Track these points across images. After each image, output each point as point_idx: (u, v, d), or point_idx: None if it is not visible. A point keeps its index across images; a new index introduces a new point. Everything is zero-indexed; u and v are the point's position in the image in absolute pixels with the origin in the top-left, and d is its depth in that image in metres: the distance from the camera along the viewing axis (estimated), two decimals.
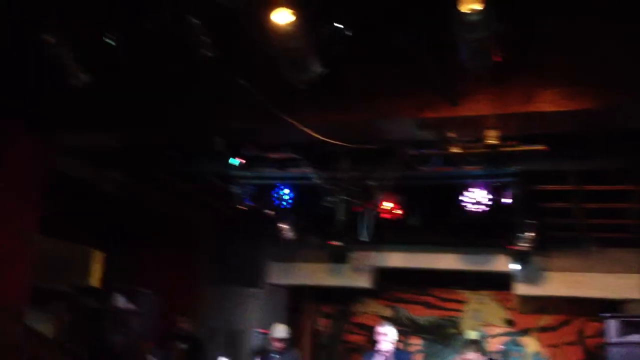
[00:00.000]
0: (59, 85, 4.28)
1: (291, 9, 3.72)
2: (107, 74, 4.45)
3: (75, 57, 4.18)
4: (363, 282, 10.15)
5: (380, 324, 8.12)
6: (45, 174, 5.61)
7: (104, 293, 8.61)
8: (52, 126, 5.29)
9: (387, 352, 6.92)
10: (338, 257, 8.78)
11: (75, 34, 4.11)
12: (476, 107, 4.57)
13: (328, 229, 7.87)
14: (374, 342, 7.20)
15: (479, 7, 3.40)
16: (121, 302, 8.36)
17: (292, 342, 7.98)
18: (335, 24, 3.93)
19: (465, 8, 3.41)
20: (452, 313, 11.26)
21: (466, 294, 11.20)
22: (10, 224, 5.31)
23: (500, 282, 9.94)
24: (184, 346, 8.58)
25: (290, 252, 10.04)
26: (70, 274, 9.37)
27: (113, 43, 4.02)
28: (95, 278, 9.78)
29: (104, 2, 3.95)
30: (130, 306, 8.32)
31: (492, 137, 4.87)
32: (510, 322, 10.96)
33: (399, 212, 7.20)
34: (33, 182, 5.46)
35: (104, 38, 4.03)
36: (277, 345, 7.42)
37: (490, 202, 6.51)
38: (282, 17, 3.75)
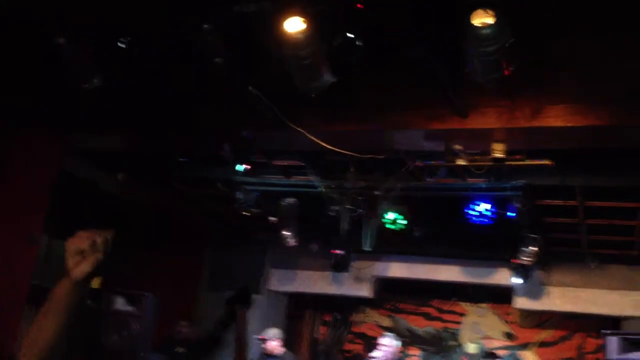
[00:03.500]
0: (73, 87, 4.30)
1: (303, 17, 3.74)
2: (121, 78, 4.46)
3: (91, 60, 4.20)
4: (364, 291, 10.14)
5: (382, 335, 8.13)
6: (54, 175, 5.64)
7: (103, 295, 8.61)
8: (64, 128, 5.32)
9: None
10: (340, 266, 8.79)
11: (93, 37, 4.13)
12: (484, 120, 4.59)
13: (331, 237, 7.88)
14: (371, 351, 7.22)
15: (491, 21, 3.42)
16: (120, 304, 8.35)
17: (286, 345, 8.00)
18: (347, 34, 3.94)
19: (477, 21, 3.43)
20: (452, 325, 11.23)
21: (466, 306, 11.18)
22: (16, 223, 5.32)
23: (500, 295, 9.93)
24: (182, 350, 8.56)
25: (292, 260, 10.04)
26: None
27: (125, 47, 4.03)
28: (96, 281, 9.77)
29: (123, 7, 3.96)
30: (130, 308, 8.31)
31: (498, 151, 4.88)
32: (510, 336, 10.92)
33: (403, 222, 7.21)
34: (41, 182, 5.48)
35: (118, 43, 4.04)
36: (271, 348, 7.45)
37: (493, 215, 6.53)
38: (294, 25, 3.76)
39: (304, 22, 3.71)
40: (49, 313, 1.85)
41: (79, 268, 1.87)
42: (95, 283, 6.83)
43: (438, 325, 11.27)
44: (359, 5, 3.68)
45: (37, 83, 5.06)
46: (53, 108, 5.18)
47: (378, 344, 7.78)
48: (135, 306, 8.15)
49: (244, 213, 7.38)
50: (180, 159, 6.56)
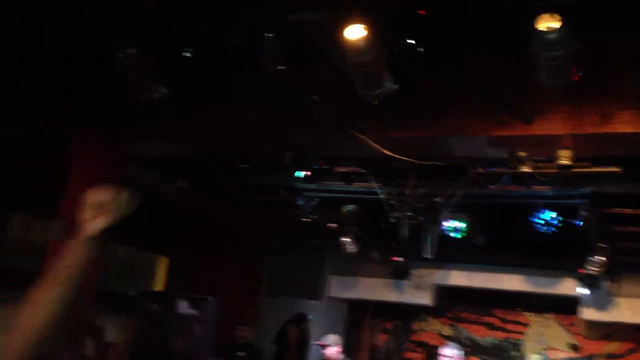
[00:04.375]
0: (136, 96, 4.42)
1: (364, 24, 3.74)
2: (183, 85, 4.56)
3: (156, 70, 4.31)
4: (424, 299, 10.04)
5: (445, 345, 8.02)
6: (118, 182, 5.78)
7: (167, 299, 8.81)
8: (127, 135, 5.46)
9: None
10: (400, 273, 8.73)
11: (157, 48, 4.24)
12: (550, 127, 4.48)
13: (391, 244, 7.84)
14: None
15: (557, 25, 3.34)
16: (184, 308, 8.53)
17: (346, 353, 7.98)
18: (408, 40, 3.92)
19: (543, 26, 3.36)
20: (515, 335, 10.99)
21: (530, 316, 10.93)
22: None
23: (566, 306, 9.68)
24: (242, 354, 8.67)
25: (352, 266, 10.03)
26: (135, 279, 9.62)
27: (190, 56, 4.12)
28: (159, 284, 9.99)
29: (183, 15, 4.05)
30: (193, 312, 8.48)
31: (565, 158, 4.75)
32: (574, 347, 10.61)
33: (464, 230, 7.11)
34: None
35: (181, 51, 4.14)
36: (330, 354, 7.43)
37: (559, 224, 6.38)
38: (356, 32, 3.77)
39: (365, 29, 3.71)
40: (48, 284, 1.66)
41: (95, 222, 1.72)
42: (182, 183, 6.94)
43: (500, 335, 11.05)
44: (420, 12, 3.66)
45: (103, 92, 5.22)
46: (118, 116, 5.33)
47: (439, 354, 7.67)
48: (197, 310, 8.32)
49: (304, 219, 7.43)
50: (241, 166, 6.64)
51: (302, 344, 8.18)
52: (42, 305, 1.63)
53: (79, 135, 5.50)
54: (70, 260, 1.68)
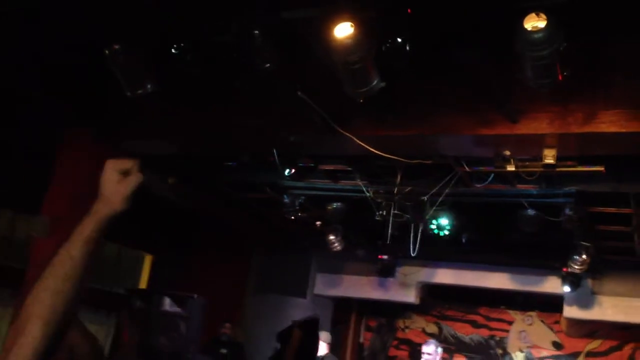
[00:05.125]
0: (125, 93, 4.40)
1: (352, 22, 3.74)
2: (172, 83, 4.54)
3: (144, 67, 4.29)
4: (410, 297, 10.07)
5: (426, 343, 8.06)
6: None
7: (152, 296, 8.75)
8: (116, 133, 5.43)
9: None
10: (386, 271, 8.75)
11: (143, 43, 4.22)
12: (535, 126, 4.50)
13: (377, 242, 7.85)
14: (416, 358, 7.16)
15: (543, 24, 3.37)
16: (168, 305, 8.48)
17: (332, 350, 8.00)
18: (396, 39, 3.93)
19: (530, 25, 3.38)
20: (499, 333, 11.07)
21: (514, 314, 11.01)
22: (72, 227, 5.43)
23: (550, 304, 9.75)
24: (225, 352, 8.65)
25: (337, 264, 10.04)
26: (121, 276, 9.56)
27: (178, 53, 4.11)
28: (144, 281, 9.95)
29: (173, 13, 4.03)
30: (178, 310, 8.43)
31: (549, 157, 4.79)
32: (558, 345, 10.70)
33: (450, 228, 7.15)
34: (95, 189, 5.58)
35: (171, 49, 4.12)
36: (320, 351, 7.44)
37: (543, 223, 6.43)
38: (344, 30, 3.77)
39: (353, 27, 3.71)
40: (61, 266, 1.61)
41: (122, 191, 1.71)
42: (171, 180, 6.92)
43: (485, 333, 11.12)
44: (408, 10, 3.67)
45: (94, 91, 5.18)
46: (107, 114, 5.30)
47: (422, 353, 7.73)
48: (183, 308, 8.27)
49: (290, 217, 7.42)
50: (228, 163, 6.62)
51: (305, 350, 8.01)
52: (55, 281, 1.61)
53: (69, 134, 5.46)
54: (87, 233, 1.67)
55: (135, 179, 1.74)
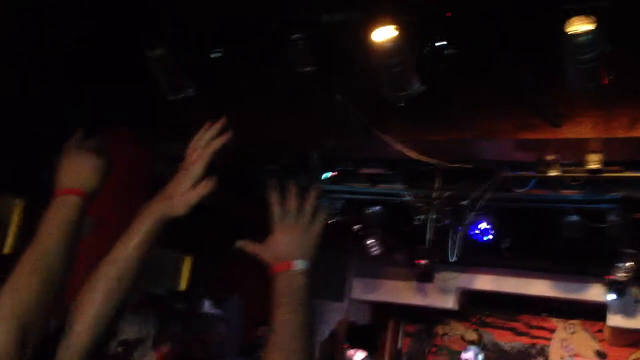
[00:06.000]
0: (167, 97, 4.46)
1: (394, 25, 3.72)
2: (212, 85, 4.59)
3: (184, 71, 4.34)
4: (449, 303, 9.98)
5: (465, 350, 7.98)
6: (148, 182, 5.83)
7: (192, 298, 8.84)
8: (154, 135, 5.51)
9: None
10: (424, 276, 8.67)
11: (184, 46, 4.27)
12: (579, 130, 4.43)
13: (416, 247, 7.79)
14: None
15: (589, 27, 3.30)
16: (208, 307, 8.55)
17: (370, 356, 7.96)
18: (436, 43, 3.90)
19: (574, 29, 3.32)
20: (540, 341, 10.87)
21: (556, 322, 10.80)
22: (116, 229, 5.52)
23: (593, 312, 9.55)
24: (261, 355, 8.67)
25: (376, 269, 10.00)
26: (161, 278, 9.68)
27: (219, 57, 4.15)
28: (184, 283, 10.05)
29: (212, 17, 4.07)
30: (217, 312, 8.50)
31: (594, 162, 4.70)
32: (601, 354, 10.47)
33: (490, 234, 7.06)
34: (136, 189, 5.68)
35: (211, 52, 4.17)
36: (350, 354, 7.43)
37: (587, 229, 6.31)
38: (384, 34, 3.76)
39: (396, 29, 3.70)
40: (114, 266, 1.58)
41: (190, 197, 1.63)
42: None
43: (526, 340, 10.94)
44: (447, 14, 3.64)
45: (132, 92, 5.26)
46: (146, 116, 5.38)
47: (460, 359, 7.65)
48: (222, 309, 8.34)
49: (328, 221, 7.41)
50: (268, 167, 6.65)
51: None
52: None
53: (107, 135, 5.54)
54: (143, 234, 1.63)
55: (206, 188, 1.66)
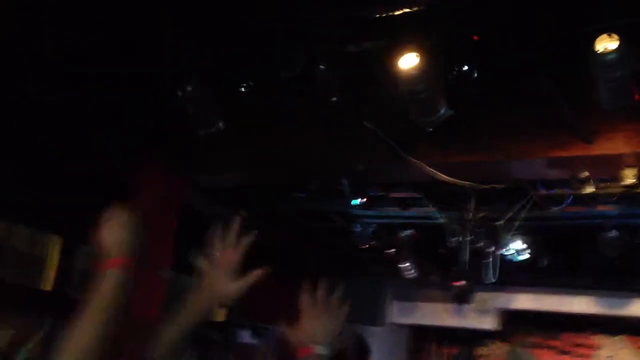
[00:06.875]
0: (197, 132, 4.52)
1: (418, 52, 3.73)
2: (239, 116, 4.66)
3: (214, 105, 4.40)
4: (487, 324, 9.84)
5: None
6: (178, 212, 5.89)
7: (229, 328, 8.86)
8: (186, 166, 5.59)
9: None
10: (461, 298, 8.57)
11: (213, 81, 4.33)
12: (612, 146, 4.36)
13: (451, 269, 7.72)
14: None
15: (616, 45, 3.27)
16: (246, 337, 8.56)
17: None
18: (463, 66, 3.90)
19: (601, 47, 3.29)
20: (584, 359, 10.65)
21: (600, 339, 10.57)
22: (148, 260, 5.58)
23: (637, 328, 9.34)
24: None
25: (412, 292, 9.92)
26: None
27: (246, 90, 4.20)
28: (220, 313, 10.07)
29: (241, 53, 4.13)
30: (255, 341, 8.50)
31: (629, 177, 4.62)
32: None
33: (527, 253, 6.96)
34: (168, 218, 5.74)
35: (238, 85, 4.22)
36: None
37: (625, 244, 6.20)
38: (408, 60, 3.76)
39: (419, 56, 3.70)
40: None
41: (234, 262, 1.84)
42: (242, 213, 7.01)
43: (569, 359, 10.72)
44: (474, 38, 3.63)
45: (163, 123, 5.35)
46: (177, 147, 5.45)
47: None
48: (259, 339, 8.34)
49: (362, 246, 7.40)
50: (298, 194, 6.68)
51: None
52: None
53: (146, 168, 5.64)
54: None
55: (248, 281, 1.84)
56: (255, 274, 1.84)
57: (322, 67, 3.94)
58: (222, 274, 1.83)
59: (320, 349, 1.74)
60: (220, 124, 4.48)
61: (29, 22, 3.93)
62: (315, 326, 1.78)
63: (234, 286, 1.80)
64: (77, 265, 7.03)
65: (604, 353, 10.53)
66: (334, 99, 4.11)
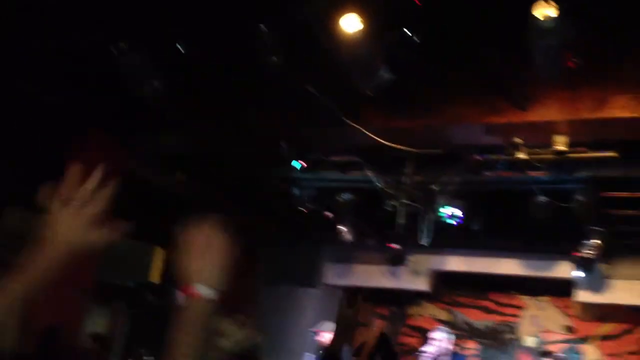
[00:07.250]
0: (133, 91, 4.39)
1: (359, 15, 3.71)
2: (180, 80, 4.54)
3: (150, 65, 4.28)
4: (421, 285, 10.08)
5: (434, 329, 8.06)
6: (117, 175, 5.75)
7: (164, 290, 8.79)
8: (126, 130, 5.44)
9: (437, 355, 6.89)
10: (396, 260, 8.73)
11: (151, 42, 4.21)
12: (545, 113, 4.49)
13: (387, 232, 7.85)
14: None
15: (554, 13, 3.33)
16: (181, 299, 8.48)
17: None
18: (404, 31, 3.90)
19: (539, 13, 3.34)
20: (510, 318, 11.05)
21: (525, 300, 10.99)
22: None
23: (561, 289, 9.72)
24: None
25: (348, 254, 10.05)
26: (131, 270, 9.57)
27: (184, 50, 4.10)
28: (156, 275, 9.96)
29: (179, 9, 4.01)
30: None
31: (561, 144, 4.77)
32: (569, 329, 10.69)
33: (460, 216, 7.12)
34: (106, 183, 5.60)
35: (176, 45, 4.11)
36: (325, 340, 7.45)
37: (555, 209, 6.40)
38: (351, 23, 3.74)
39: (360, 20, 3.69)
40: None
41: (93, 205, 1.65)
42: (179, 177, 7.02)
43: (496, 318, 11.11)
44: (416, 2, 3.64)
45: (106, 90, 5.19)
46: (119, 112, 5.31)
47: (430, 338, 7.71)
48: None
49: (300, 209, 7.42)
50: (237, 158, 6.62)
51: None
52: None
53: (84, 132, 5.48)
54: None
55: (109, 235, 1.68)
56: (118, 226, 1.63)
57: (263, 28, 3.87)
58: (78, 221, 1.61)
59: (202, 289, 1.61)
60: (156, 85, 4.36)
61: (29, 22, 3.77)
62: (199, 264, 1.63)
63: (91, 236, 1.57)
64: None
65: (529, 313, 10.95)
66: (274, 58, 4.05)
